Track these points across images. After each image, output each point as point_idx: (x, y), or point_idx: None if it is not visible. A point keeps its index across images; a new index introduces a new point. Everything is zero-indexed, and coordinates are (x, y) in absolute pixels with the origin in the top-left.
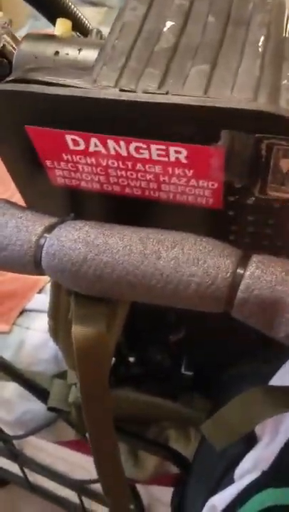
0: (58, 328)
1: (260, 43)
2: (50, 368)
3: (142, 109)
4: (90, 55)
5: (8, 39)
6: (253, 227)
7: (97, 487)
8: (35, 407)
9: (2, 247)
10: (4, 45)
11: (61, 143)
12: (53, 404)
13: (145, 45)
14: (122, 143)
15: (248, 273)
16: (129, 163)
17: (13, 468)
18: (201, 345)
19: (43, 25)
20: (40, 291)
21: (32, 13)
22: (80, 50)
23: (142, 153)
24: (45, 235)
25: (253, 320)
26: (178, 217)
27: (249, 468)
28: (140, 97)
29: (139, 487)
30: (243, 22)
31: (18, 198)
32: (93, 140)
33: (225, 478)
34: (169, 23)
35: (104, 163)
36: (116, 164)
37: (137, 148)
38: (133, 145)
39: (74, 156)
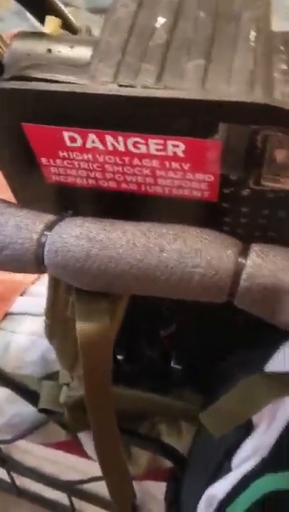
0: (55, 328)
1: (251, 38)
2: (38, 371)
3: (142, 104)
4: (82, 52)
5: None
6: (247, 219)
7: (88, 487)
8: (24, 410)
9: (3, 245)
10: None
11: (58, 140)
12: (44, 405)
13: (139, 41)
14: (120, 138)
15: (249, 262)
16: (127, 159)
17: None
18: (192, 339)
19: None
20: (22, 294)
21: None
22: (72, 47)
23: (139, 148)
24: (46, 232)
25: (255, 308)
26: (172, 211)
27: (247, 456)
28: (140, 91)
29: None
30: (233, 17)
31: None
32: (91, 136)
33: (222, 468)
34: (161, 20)
35: (101, 159)
36: (113, 160)
37: (134, 143)
38: (131, 140)
39: (71, 153)
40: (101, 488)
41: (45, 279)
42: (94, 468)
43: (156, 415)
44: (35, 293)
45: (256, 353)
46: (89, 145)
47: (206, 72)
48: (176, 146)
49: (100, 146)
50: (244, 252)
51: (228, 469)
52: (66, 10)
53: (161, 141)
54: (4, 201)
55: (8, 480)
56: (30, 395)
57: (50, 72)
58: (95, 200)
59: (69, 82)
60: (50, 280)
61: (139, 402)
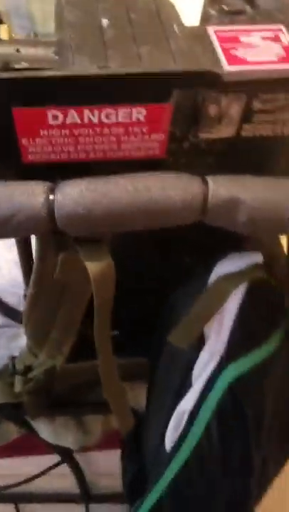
0: (40, 296)
1: (175, 29)
2: None
3: (117, 80)
4: (45, 50)
5: None
6: (185, 169)
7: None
8: None
9: (14, 212)
10: None
11: (42, 119)
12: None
13: (95, 36)
14: (95, 111)
15: (210, 186)
16: (98, 129)
17: None
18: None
19: None
20: None
21: None
22: (35, 46)
23: (110, 118)
24: (50, 195)
25: (221, 220)
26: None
27: (206, 363)
28: (116, 70)
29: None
30: (155, 16)
31: None
32: (71, 113)
33: (184, 386)
34: (104, 21)
35: (77, 133)
36: (86, 132)
37: (107, 114)
38: (104, 112)
39: (51, 130)
40: (46, 484)
41: None
42: (37, 465)
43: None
44: None
45: (187, 290)
46: (68, 121)
47: (154, 54)
48: (139, 113)
49: (78, 121)
50: (204, 180)
51: (190, 385)
52: None
53: (128, 110)
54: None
55: None
56: None
57: (31, 65)
58: (63, 173)
59: (48, 69)
60: (39, 247)
61: (90, 371)
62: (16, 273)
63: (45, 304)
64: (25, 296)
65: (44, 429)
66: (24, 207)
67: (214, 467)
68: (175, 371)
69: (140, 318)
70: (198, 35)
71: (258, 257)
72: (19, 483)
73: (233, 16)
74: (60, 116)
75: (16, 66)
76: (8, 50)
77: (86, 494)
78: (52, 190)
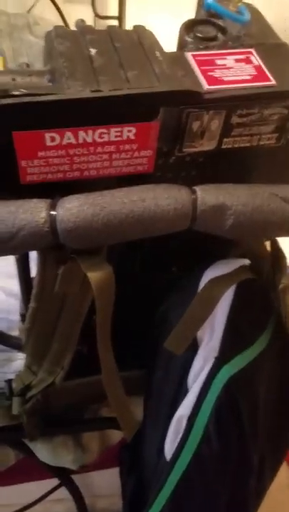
0: (41, 309)
1: (157, 55)
2: None
3: (109, 102)
4: (39, 78)
5: None
6: (172, 182)
7: None
8: None
9: (20, 227)
10: None
11: (40, 141)
12: None
13: (85, 64)
14: (89, 131)
15: (199, 194)
16: (92, 148)
17: None
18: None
19: None
20: None
21: None
22: (30, 75)
23: (103, 138)
24: (51, 210)
25: (209, 225)
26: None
27: (201, 367)
28: (109, 93)
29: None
30: (138, 45)
31: None
32: (67, 134)
33: (180, 393)
34: (92, 50)
35: (72, 153)
36: (81, 151)
37: (100, 134)
38: (98, 132)
39: (48, 152)
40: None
41: None
42: (33, 492)
43: (103, 398)
44: None
45: (177, 300)
46: (64, 142)
47: (141, 78)
48: (130, 131)
49: (73, 141)
50: (193, 190)
51: (186, 392)
52: None
53: (119, 129)
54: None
55: None
56: None
57: (28, 91)
58: (57, 191)
59: (47, 94)
60: (40, 262)
61: (86, 388)
62: (3, 299)
63: (46, 318)
64: (21, 315)
65: (43, 450)
66: (28, 223)
67: (215, 470)
68: (170, 380)
69: (132, 330)
70: (179, 59)
71: (244, 261)
72: None
73: (208, 42)
74: (57, 138)
75: (15, 93)
76: (4, 79)
77: None
78: (53, 207)
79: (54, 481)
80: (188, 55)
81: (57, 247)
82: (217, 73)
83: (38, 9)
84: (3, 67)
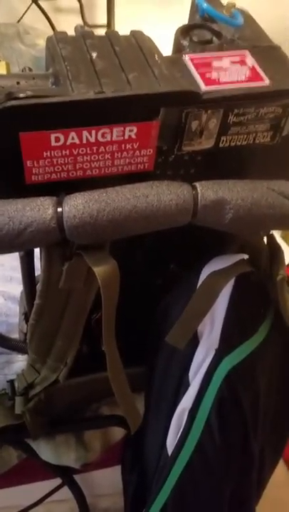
0: (46, 306)
1: (156, 58)
2: None
3: (112, 103)
4: (43, 81)
5: None
6: (171, 180)
7: None
8: None
9: (28, 224)
10: None
11: (45, 142)
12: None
13: (88, 67)
14: (93, 131)
15: (199, 190)
16: (95, 148)
17: None
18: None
19: None
20: None
21: None
22: (34, 78)
23: (105, 137)
24: (58, 207)
25: (210, 220)
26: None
27: (202, 360)
28: (112, 94)
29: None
30: (137, 48)
31: None
32: (71, 134)
33: (182, 387)
34: (93, 53)
35: (76, 152)
36: (84, 151)
37: (103, 134)
38: (100, 131)
39: (53, 151)
40: None
41: None
42: (35, 493)
43: (104, 396)
44: None
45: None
46: (69, 142)
47: (141, 80)
48: (131, 130)
49: (77, 141)
50: (193, 186)
51: (187, 386)
52: None
53: (121, 128)
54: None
55: None
56: None
57: (33, 93)
58: (60, 191)
59: (52, 96)
60: (46, 258)
61: (88, 386)
62: (1, 302)
63: (51, 314)
64: (24, 315)
65: (45, 450)
66: (35, 220)
67: (217, 461)
68: (171, 375)
69: (133, 327)
70: (177, 62)
71: (242, 256)
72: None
73: (203, 45)
74: (62, 138)
75: (21, 95)
76: (9, 82)
77: None
78: (59, 204)
79: (56, 482)
80: (186, 58)
81: (62, 244)
82: (214, 74)
83: (28, 19)
84: (8, 71)
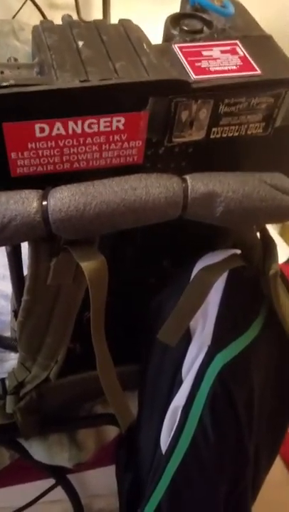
0: (34, 303)
1: (145, 47)
2: None
3: (98, 92)
4: (28, 71)
5: None
6: (162, 173)
7: None
8: None
9: (12, 217)
10: None
11: (29, 132)
12: None
13: (74, 56)
14: (79, 122)
15: (189, 182)
16: (82, 139)
17: None
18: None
19: None
20: None
21: None
22: (18, 68)
23: (92, 128)
24: (43, 201)
25: (200, 213)
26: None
27: (194, 356)
28: (98, 83)
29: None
30: (125, 38)
31: None
32: (57, 124)
33: (175, 384)
34: (80, 42)
35: (62, 144)
36: (71, 142)
37: (89, 124)
38: (87, 122)
39: (38, 143)
40: None
41: None
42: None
43: (98, 395)
44: None
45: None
46: (54, 133)
47: (129, 69)
48: (119, 121)
49: (63, 132)
50: (183, 179)
51: (180, 383)
52: None
53: (109, 119)
54: None
55: None
56: None
57: (17, 82)
58: (47, 184)
59: (36, 84)
60: (32, 254)
61: (80, 385)
62: None
63: (39, 311)
64: (14, 312)
65: (38, 449)
66: (19, 214)
67: (211, 459)
68: (165, 372)
69: (125, 325)
70: (166, 51)
71: (235, 251)
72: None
73: (194, 35)
74: (47, 129)
75: (4, 84)
76: None
77: None
78: (44, 197)
79: (49, 482)
80: (175, 47)
81: (49, 239)
82: (204, 64)
83: (23, 15)
84: None
